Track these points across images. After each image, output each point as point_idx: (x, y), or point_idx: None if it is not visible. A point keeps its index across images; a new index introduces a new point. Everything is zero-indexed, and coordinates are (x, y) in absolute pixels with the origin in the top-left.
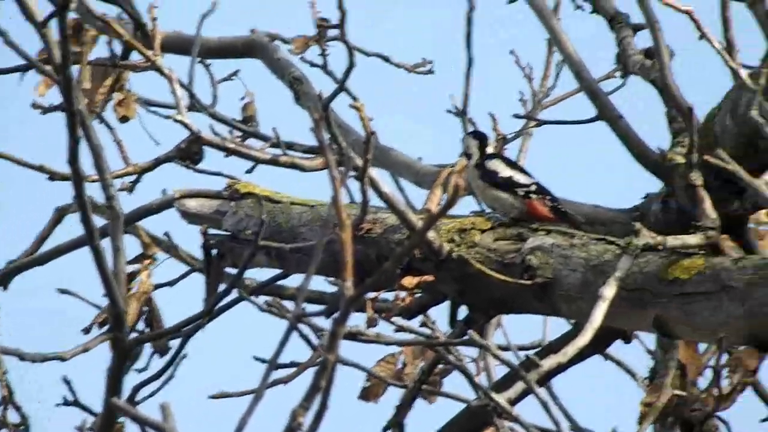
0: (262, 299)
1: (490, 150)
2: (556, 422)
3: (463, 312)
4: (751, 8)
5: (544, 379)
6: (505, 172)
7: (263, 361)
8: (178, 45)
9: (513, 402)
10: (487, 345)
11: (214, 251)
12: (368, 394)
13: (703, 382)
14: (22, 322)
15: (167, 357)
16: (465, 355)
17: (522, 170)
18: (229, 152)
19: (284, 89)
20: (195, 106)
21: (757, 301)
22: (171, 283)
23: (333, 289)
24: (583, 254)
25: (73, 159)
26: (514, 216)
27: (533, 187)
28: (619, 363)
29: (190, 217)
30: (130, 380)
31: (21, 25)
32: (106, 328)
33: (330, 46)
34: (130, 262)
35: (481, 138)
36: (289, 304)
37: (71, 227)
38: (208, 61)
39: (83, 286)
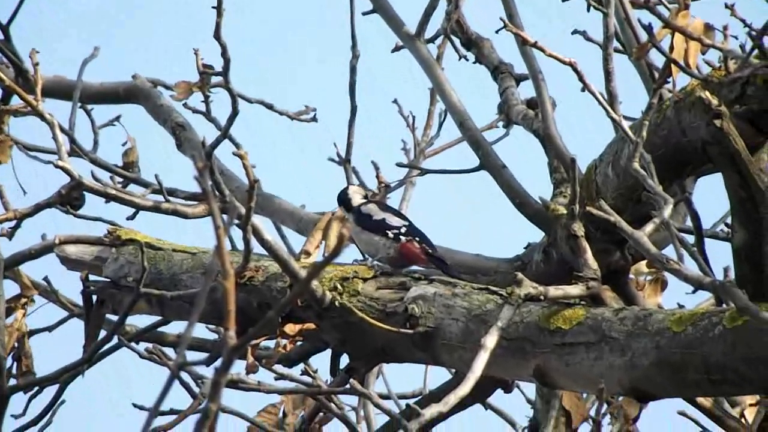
0: (142, 346)
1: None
2: None
3: (344, 360)
4: (635, 61)
5: (425, 428)
6: (378, 215)
7: (143, 408)
8: (59, 90)
9: None
10: (368, 394)
11: (95, 297)
12: None
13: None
14: None
15: (45, 403)
16: (346, 403)
17: (397, 213)
18: (110, 198)
19: (166, 135)
20: (76, 151)
21: (638, 351)
22: (50, 329)
23: (214, 336)
24: (465, 304)
25: None
26: (390, 255)
27: (403, 229)
28: (499, 412)
29: (71, 263)
30: (7, 426)
31: None
32: None
33: (213, 92)
34: (8, 302)
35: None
36: (169, 351)
37: None
38: (90, 106)
39: None
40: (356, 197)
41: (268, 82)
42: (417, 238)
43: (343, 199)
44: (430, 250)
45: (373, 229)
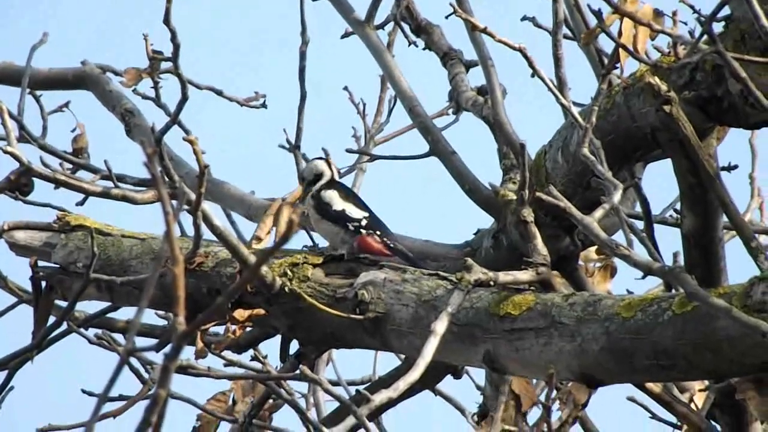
0: (92, 332)
1: (327, 176)
2: None
3: (294, 346)
4: (584, 47)
5: (375, 414)
6: (338, 205)
7: (92, 394)
8: (8, 76)
9: None
10: (319, 379)
11: (44, 283)
12: None
13: (533, 418)
14: None
15: None
16: (296, 389)
17: (358, 201)
18: (60, 184)
19: (116, 121)
20: (25, 137)
21: (587, 337)
22: None
23: (164, 322)
24: (415, 289)
25: None
26: (344, 251)
27: (364, 221)
28: (448, 399)
29: (20, 248)
30: None
31: None
32: None
33: (163, 78)
34: None
35: (315, 168)
36: (119, 337)
37: None
38: (39, 92)
39: None
40: (326, 173)
41: (218, 68)
42: (378, 232)
43: (313, 171)
44: (392, 244)
45: (333, 219)
